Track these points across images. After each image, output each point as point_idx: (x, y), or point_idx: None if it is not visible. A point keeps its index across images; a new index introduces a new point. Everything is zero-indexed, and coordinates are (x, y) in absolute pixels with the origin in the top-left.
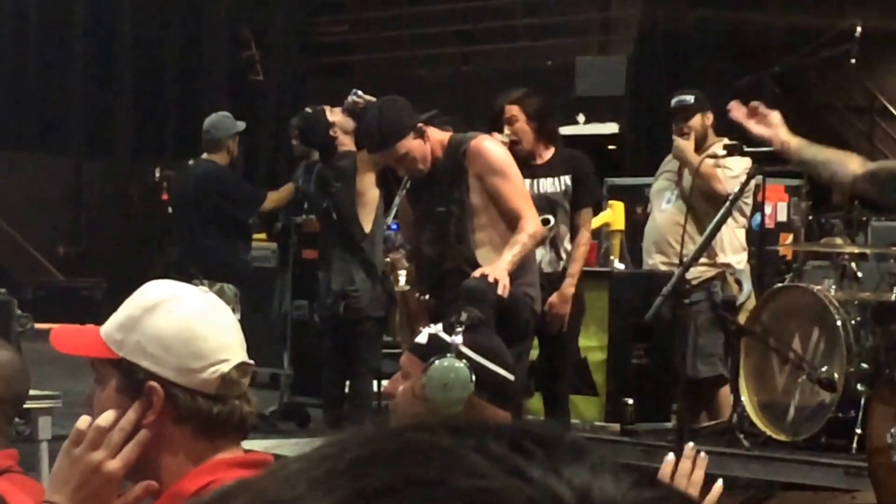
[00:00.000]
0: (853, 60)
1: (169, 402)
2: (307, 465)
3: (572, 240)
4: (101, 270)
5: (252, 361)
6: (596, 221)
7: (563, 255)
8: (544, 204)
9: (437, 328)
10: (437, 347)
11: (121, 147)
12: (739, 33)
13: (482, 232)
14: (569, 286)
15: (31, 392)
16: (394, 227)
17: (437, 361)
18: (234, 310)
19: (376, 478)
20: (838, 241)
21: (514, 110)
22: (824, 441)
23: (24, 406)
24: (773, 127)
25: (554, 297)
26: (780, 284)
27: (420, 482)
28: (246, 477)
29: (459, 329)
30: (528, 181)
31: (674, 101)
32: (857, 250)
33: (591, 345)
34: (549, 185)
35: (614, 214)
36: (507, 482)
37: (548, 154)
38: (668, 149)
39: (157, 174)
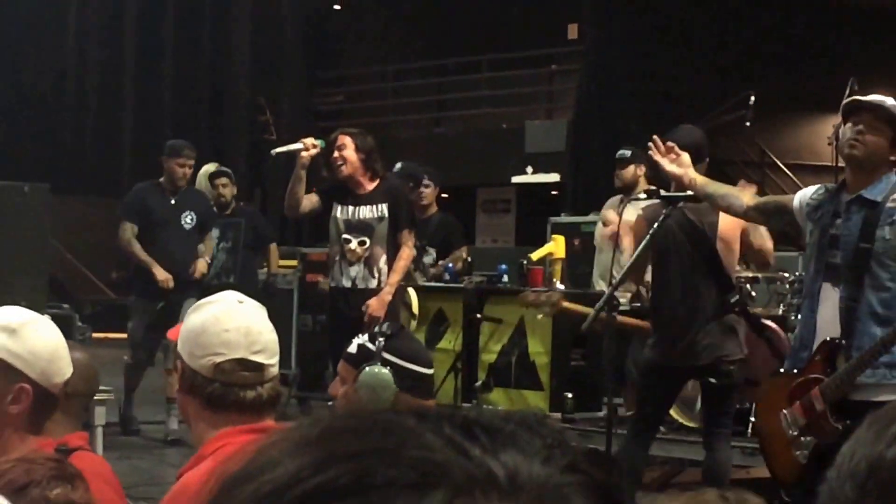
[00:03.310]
0: (748, 123)
1: (184, 376)
2: (288, 436)
3: (389, 260)
4: None
5: (260, 360)
6: (541, 252)
7: (376, 274)
8: (363, 228)
9: (364, 339)
10: (364, 356)
11: None
12: (658, 101)
13: None
14: (387, 293)
15: None
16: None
17: (366, 368)
18: None
19: (342, 444)
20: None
21: (345, 140)
22: None
23: None
24: (683, 166)
25: (373, 301)
26: None
27: (378, 450)
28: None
29: (381, 339)
30: (351, 208)
31: (618, 154)
32: (751, 274)
33: (538, 350)
34: (367, 211)
35: (556, 246)
36: (452, 457)
37: (371, 186)
38: (602, 193)
39: None
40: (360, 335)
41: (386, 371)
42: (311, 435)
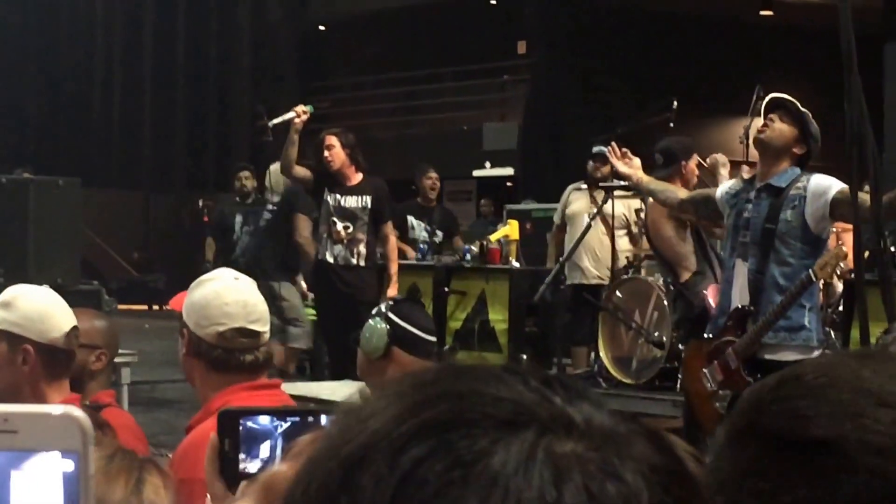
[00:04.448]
0: (671, 125)
1: (190, 343)
2: (385, 391)
3: (368, 243)
4: (163, 269)
5: (256, 329)
6: (498, 234)
7: (356, 255)
8: (348, 215)
9: (388, 302)
10: (375, 314)
11: (177, 184)
12: (594, 106)
13: None
14: (394, 283)
15: None
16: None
17: (368, 322)
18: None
19: (441, 387)
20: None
21: (331, 140)
22: (657, 383)
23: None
24: (634, 168)
25: (388, 293)
26: (625, 276)
27: (471, 392)
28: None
29: (391, 302)
30: (339, 196)
31: (596, 150)
32: None
33: (497, 318)
34: (353, 201)
35: (511, 229)
36: (538, 402)
37: (356, 179)
38: (552, 184)
39: (201, 203)
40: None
41: (383, 325)
42: (408, 385)
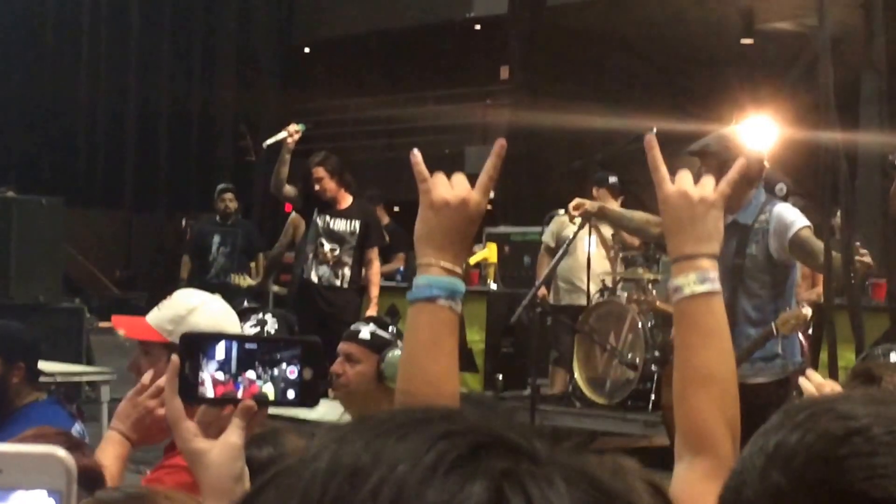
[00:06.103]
0: None
1: None
2: (363, 428)
3: (353, 266)
4: (145, 287)
5: None
6: (477, 257)
7: (340, 276)
8: (336, 238)
9: (370, 327)
10: (381, 341)
11: (159, 204)
12: (575, 132)
13: None
14: (374, 306)
15: (97, 368)
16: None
17: (391, 352)
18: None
19: (436, 426)
20: (640, 270)
21: (319, 172)
22: (630, 404)
23: (92, 378)
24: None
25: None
26: (601, 299)
27: (485, 425)
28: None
29: (392, 328)
30: (328, 218)
31: (613, 181)
32: (651, 276)
33: (475, 339)
34: (342, 224)
35: (490, 252)
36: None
37: (346, 202)
38: (532, 208)
39: (184, 223)
40: (362, 324)
41: None
42: (392, 423)
